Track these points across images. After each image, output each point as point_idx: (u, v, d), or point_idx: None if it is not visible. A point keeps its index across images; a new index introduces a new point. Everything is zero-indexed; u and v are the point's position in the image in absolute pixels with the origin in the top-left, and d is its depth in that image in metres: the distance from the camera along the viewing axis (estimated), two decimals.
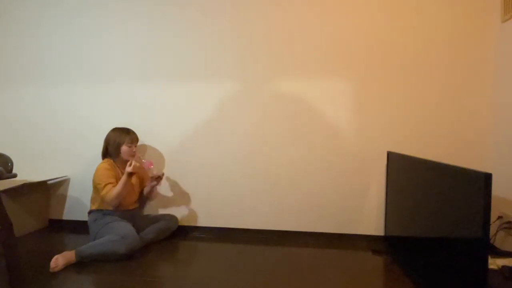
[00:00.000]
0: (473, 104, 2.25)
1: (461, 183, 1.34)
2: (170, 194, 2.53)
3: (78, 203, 2.64)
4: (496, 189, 2.14)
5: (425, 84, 2.29)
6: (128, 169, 2.05)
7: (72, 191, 2.65)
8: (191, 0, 2.46)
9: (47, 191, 2.66)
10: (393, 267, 1.92)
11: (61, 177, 2.64)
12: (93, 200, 2.21)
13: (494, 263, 1.81)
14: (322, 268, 1.90)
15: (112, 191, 2.08)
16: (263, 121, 2.43)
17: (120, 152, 2.22)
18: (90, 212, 2.21)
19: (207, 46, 2.46)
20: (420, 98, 2.29)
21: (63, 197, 2.66)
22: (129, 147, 2.23)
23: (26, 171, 2.60)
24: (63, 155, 2.64)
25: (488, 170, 1.21)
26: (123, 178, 2.08)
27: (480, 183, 1.22)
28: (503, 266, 1.76)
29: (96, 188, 2.17)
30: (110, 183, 2.11)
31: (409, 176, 1.90)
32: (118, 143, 2.21)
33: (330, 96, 2.36)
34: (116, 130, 2.27)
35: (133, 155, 2.25)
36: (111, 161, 2.22)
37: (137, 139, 2.31)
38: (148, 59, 2.52)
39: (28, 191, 2.46)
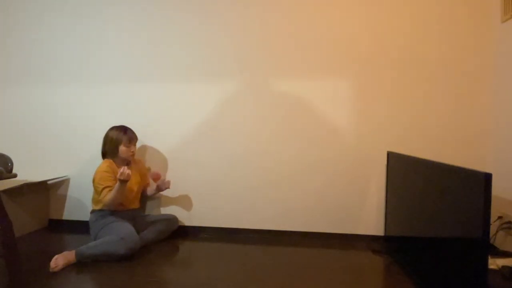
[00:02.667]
0: (473, 104, 2.26)
1: (461, 183, 1.34)
2: (170, 194, 2.53)
3: (78, 203, 2.64)
4: (496, 189, 2.14)
5: (425, 84, 2.29)
6: (118, 176, 1.99)
7: (72, 191, 2.65)
8: (191, 0, 2.46)
9: (47, 191, 2.66)
10: (393, 267, 1.92)
11: (61, 177, 2.64)
12: (94, 201, 2.21)
13: (494, 263, 1.81)
14: (322, 268, 1.90)
15: (107, 198, 2.07)
16: (263, 121, 2.43)
17: (118, 152, 2.20)
18: (92, 212, 2.21)
19: (207, 46, 2.46)
20: (420, 98, 2.29)
21: (63, 197, 2.66)
22: (127, 147, 2.21)
23: (26, 171, 2.60)
24: (63, 155, 2.64)
25: (488, 170, 1.22)
26: (116, 185, 2.04)
27: (480, 183, 1.22)
28: (503, 266, 1.76)
29: (96, 190, 2.17)
30: (108, 186, 2.09)
31: (409, 176, 1.90)
32: (116, 143, 2.19)
33: (330, 95, 2.36)
34: (114, 129, 2.25)
35: (131, 155, 2.24)
36: (111, 161, 2.20)
37: (135, 139, 2.29)
38: (148, 59, 2.52)
39: (28, 191, 2.46)
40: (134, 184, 2.25)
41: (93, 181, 2.16)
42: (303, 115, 2.39)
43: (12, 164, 1.70)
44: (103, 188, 2.09)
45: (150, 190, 2.42)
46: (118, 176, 1.99)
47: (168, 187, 2.35)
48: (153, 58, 2.51)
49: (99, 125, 2.58)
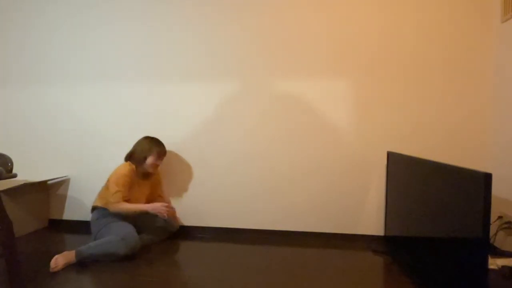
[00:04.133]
0: (473, 104, 2.26)
1: (461, 183, 1.34)
2: (170, 194, 2.53)
3: (78, 203, 2.64)
4: (496, 189, 2.14)
5: (425, 84, 2.29)
6: (153, 209, 2.11)
7: (72, 191, 2.65)
8: (191, 1, 2.46)
9: (47, 191, 2.66)
10: (393, 267, 1.92)
11: (61, 177, 2.64)
12: (101, 196, 2.21)
13: (494, 263, 1.81)
14: (322, 268, 1.90)
15: (118, 206, 2.09)
16: (263, 121, 2.43)
17: (144, 162, 2.22)
18: (94, 209, 2.21)
19: (207, 46, 2.46)
20: (420, 98, 2.29)
21: (63, 197, 2.67)
22: (155, 160, 2.24)
23: (26, 171, 2.60)
24: (63, 155, 2.64)
25: (488, 170, 1.22)
26: (137, 208, 2.10)
27: (480, 183, 1.22)
28: (503, 266, 1.76)
29: (108, 187, 2.17)
30: (121, 191, 2.12)
31: (409, 176, 1.90)
32: (146, 153, 2.22)
33: (330, 96, 2.36)
34: (148, 139, 2.29)
35: (156, 167, 2.27)
36: (133, 167, 2.22)
37: (164, 154, 2.32)
38: (148, 59, 2.52)
39: (28, 191, 2.46)
40: (141, 195, 2.27)
41: (110, 177, 2.17)
42: (303, 115, 2.39)
43: (12, 164, 1.70)
44: (117, 191, 2.11)
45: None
46: (148, 208, 2.09)
47: (176, 227, 2.35)
48: (154, 58, 2.51)
49: (99, 125, 2.58)
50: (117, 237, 1.96)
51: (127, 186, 2.15)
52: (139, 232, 2.17)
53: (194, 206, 2.52)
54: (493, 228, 2.06)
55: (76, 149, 2.63)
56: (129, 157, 2.26)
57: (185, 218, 2.52)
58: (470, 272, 1.27)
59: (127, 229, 2.03)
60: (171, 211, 2.23)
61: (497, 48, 2.20)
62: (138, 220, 2.27)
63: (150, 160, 2.22)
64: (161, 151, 2.28)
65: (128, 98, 2.55)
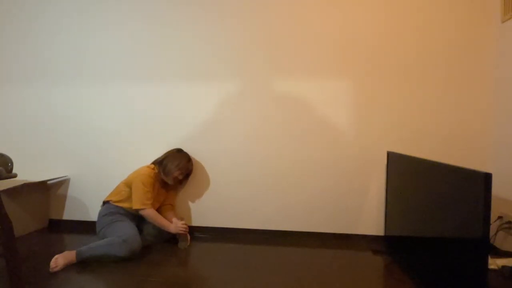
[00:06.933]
0: (473, 104, 2.26)
1: (461, 183, 1.34)
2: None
3: (78, 203, 2.64)
4: (496, 189, 2.14)
5: (425, 84, 2.29)
6: (174, 228, 2.16)
7: (72, 191, 2.65)
8: (192, 1, 2.46)
9: (47, 191, 2.66)
10: (393, 267, 1.92)
11: (61, 177, 2.64)
12: (116, 191, 2.22)
13: (494, 263, 1.81)
14: (322, 268, 1.90)
15: (149, 212, 2.13)
16: (263, 121, 2.43)
17: (169, 174, 2.24)
18: (104, 203, 2.22)
19: (207, 46, 2.46)
20: (420, 98, 2.29)
21: (63, 197, 2.67)
22: (179, 175, 2.28)
23: (26, 171, 2.60)
24: (63, 155, 2.64)
25: (488, 170, 1.22)
26: (161, 224, 2.14)
27: (480, 183, 1.22)
28: (503, 266, 1.76)
29: (129, 185, 2.18)
30: (150, 191, 2.16)
31: (409, 176, 1.90)
32: (175, 167, 2.25)
33: (331, 96, 2.36)
34: (180, 154, 2.34)
35: (177, 181, 2.31)
36: (155, 171, 2.24)
37: (190, 172, 2.39)
38: (149, 59, 2.52)
39: (28, 191, 2.46)
40: (157, 202, 2.28)
41: (132, 177, 2.18)
42: (303, 115, 2.39)
43: (12, 164, 1.70)
44: (147, 191, 2.14)
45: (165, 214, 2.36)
46: (171, 228, 2.15)
47: (186, 246, 2.26)
48: (154, 58, 2.51)
49: (99, 125, 2.58)
50: (119, 239, 1.96)
51: (151, 188, 2.18)
52: (141, 230, 2.17)
53: (195, 207, 2.52)
54: (493, 228, 2.06)
55: (76, 149, 2.63)
56: (156, 163, 2.29)
57: (186, 218, 2.52)
58: (470, 272, 1.27)
59: (130, 231, 2.02)
60: (187, 228, 2.22)
61: (497, 48, 2.20)
62: (142, 219, 2.27)
63: (175, 173, 2.25)
64: (189, 170, 2.35)
65: (128, 99, 2.55)
